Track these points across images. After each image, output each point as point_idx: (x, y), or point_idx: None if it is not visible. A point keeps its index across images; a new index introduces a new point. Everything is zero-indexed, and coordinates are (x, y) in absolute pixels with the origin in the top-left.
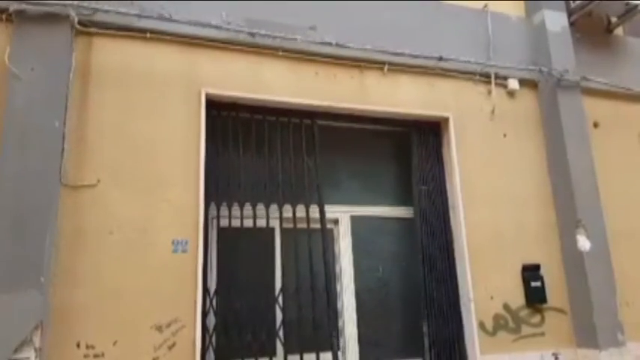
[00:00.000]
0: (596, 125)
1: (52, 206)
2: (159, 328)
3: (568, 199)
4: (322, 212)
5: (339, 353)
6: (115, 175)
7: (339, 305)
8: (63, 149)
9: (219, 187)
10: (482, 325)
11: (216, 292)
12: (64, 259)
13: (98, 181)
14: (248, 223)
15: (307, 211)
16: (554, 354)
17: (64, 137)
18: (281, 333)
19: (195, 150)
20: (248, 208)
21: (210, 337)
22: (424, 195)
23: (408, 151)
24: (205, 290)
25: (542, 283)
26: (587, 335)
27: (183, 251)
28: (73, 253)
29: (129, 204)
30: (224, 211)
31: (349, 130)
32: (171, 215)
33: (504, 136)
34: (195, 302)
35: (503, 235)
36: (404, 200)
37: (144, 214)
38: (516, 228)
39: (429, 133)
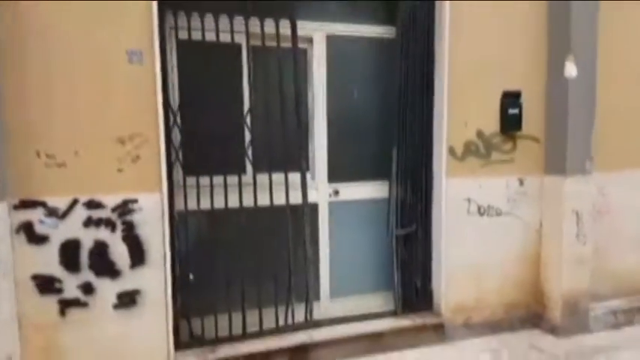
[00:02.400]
0: None
1: None
2: (121, 141)
3: (563, 25)
4: (294, 29)
5: (308, 174)
6: None
7: (309, 127)
8: None
9: None
10: (451, 151)
11: (179, 107)
12: (9, 75)
13: None
14: (211, 36)
15: (277, 26)
16: (519, 179)
17: None
18: (250, 152)
19: None
20: (210, 20)
21: (177, 153)
22: (409, 13)
23: None
24: (167, 105)
25: (520, 110)
26: (556, 163)
27: (139, 62)
28: (20, 68)
29: (73, 10)
30: (183, 22)
31: None
32: (122, 23)
33: None
34: (156, 116)
35: (489, 60)
36: (386, 19)
37: (90, 19)
38: (503, 53)
39: None
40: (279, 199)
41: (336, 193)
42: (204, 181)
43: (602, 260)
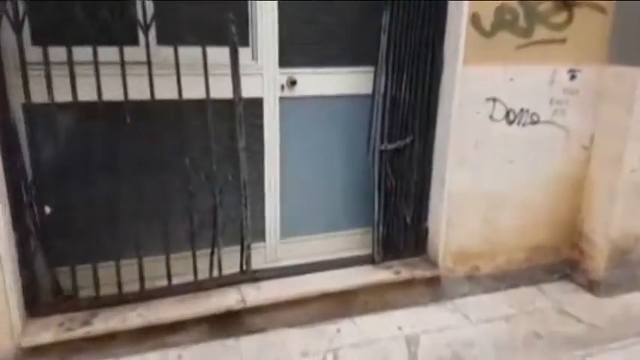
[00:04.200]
0: None
1: None
2: None
3: None
4: None
5: (244, 50)
6: None
7: None
8: None
9: None
10: (475, 20)
11: None
12: None
13: None
14: None
15: None
16: (571, 70)
17: None
18: (140, 9)
19: None
20: None
21: (5, 3)
22: None
23: None
24: None
25: None
26: (628, 47)
27: None
28: None
29: None
30: None
31: None
32: None
33: None
34: None
35: None
36: None
37: None
38: None
39: None
40: (196, 90)
41: (292, 84)
42: (61, 55)
43: None
